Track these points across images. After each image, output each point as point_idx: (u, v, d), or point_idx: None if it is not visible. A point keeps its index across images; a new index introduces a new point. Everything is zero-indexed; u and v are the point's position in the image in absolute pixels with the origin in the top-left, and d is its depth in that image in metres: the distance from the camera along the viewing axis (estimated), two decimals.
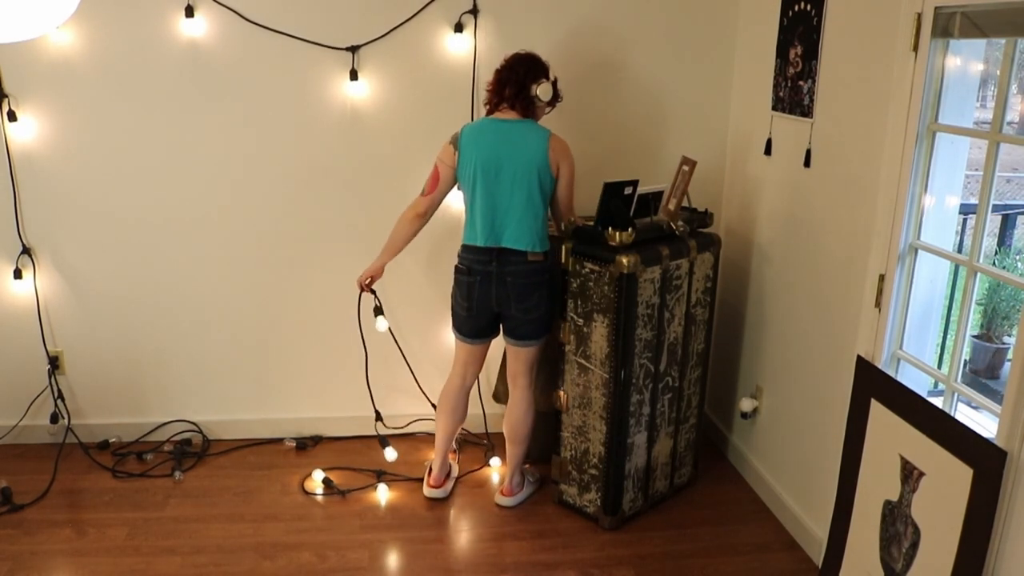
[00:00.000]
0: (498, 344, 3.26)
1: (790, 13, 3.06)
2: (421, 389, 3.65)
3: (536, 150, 2.89)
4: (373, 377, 3.56)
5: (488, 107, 3.01)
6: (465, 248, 3.02)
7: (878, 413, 2.42)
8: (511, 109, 2.95)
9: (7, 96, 3.23)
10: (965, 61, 2.31)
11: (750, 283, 3.47)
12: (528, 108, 2.95)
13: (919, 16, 2.29)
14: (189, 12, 3.21)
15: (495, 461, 3.54)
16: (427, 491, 3.30)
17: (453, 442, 3.36)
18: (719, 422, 3.83)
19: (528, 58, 2.96)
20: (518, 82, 2.91)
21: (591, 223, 2.98)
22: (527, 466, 3.42)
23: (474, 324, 3.09)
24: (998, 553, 1.99)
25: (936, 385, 2.78)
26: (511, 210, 2.91)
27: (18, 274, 3.41)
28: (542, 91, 2.92)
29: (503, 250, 2.94)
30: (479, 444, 3.69)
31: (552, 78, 2.98)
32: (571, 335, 3.06)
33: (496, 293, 2.98)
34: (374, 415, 3.57)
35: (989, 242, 5.50)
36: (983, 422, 2.69)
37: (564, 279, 3.03)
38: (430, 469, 3.34)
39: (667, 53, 3.55)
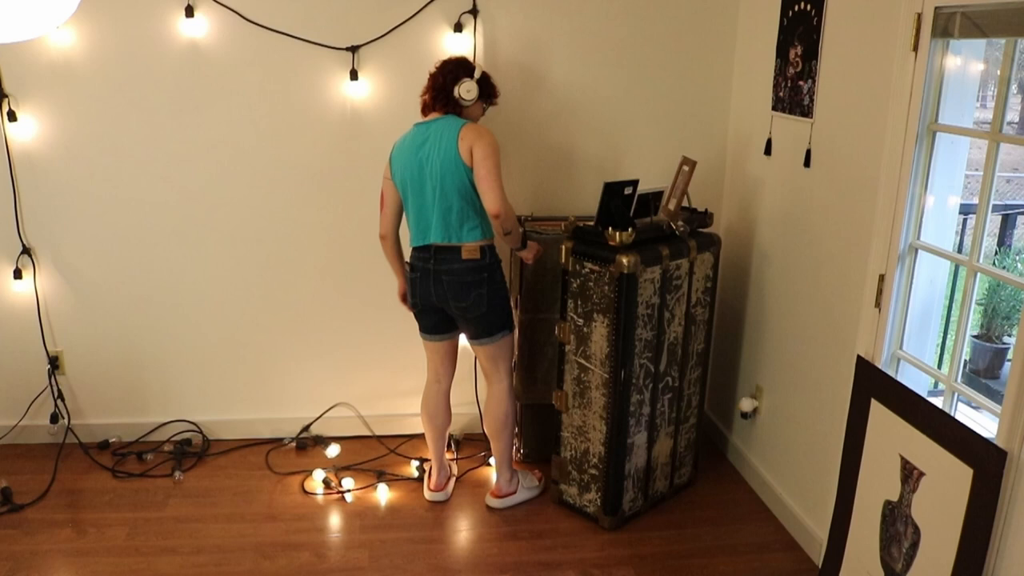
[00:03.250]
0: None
1: (790, 13, 3.06)
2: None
3: (447, 142, 2.88)
4: (372, 377, 3.55)
5: (422, 114, 3.04)
6: (412, 249, 3.07)
7: (878, 413, 2.42)
8: (433, 110, 2.99)
9: (7, 96, 3.23)
10: (965, 61, 2.31)
11: (750, 283, 3.47)
12: (453, 107, 2.97)
13: (919, 16, 2.30)
14: (189, 12, 3.21)
15: (495, 460, 3.53)
16: (428, 495, 3.30)
17: (448, 443, 3.34)
18: (719, 422, 3.83)
19: (452, 61, 2.99)
20: (437, 86, 2.95)
21: (591, 223, 2.98)
22: (534, 471, 3.42)
23: (427, 319, 3.14)
24: (998, 553, 1.99)
25: (936, 385, 2.79)
26: (434, 206, 2.92)
27: (18, 274, 3.41)
28: (463, 90, 2.93)
29: (439, 248, 2.96)
30: (477, 443, 3.69)
31: (477, 75, 2.97)
32: (571, 335, 3.06)
33: (435, 290, 3.01)
34: (375, 419, 3.56)
35: (989, 242, 5.50)
36: (983, 422, 2.69)
37: (564, 279, 3.03)
38: (429, 472, 3.35)
39: (667, 53, 3.54)
